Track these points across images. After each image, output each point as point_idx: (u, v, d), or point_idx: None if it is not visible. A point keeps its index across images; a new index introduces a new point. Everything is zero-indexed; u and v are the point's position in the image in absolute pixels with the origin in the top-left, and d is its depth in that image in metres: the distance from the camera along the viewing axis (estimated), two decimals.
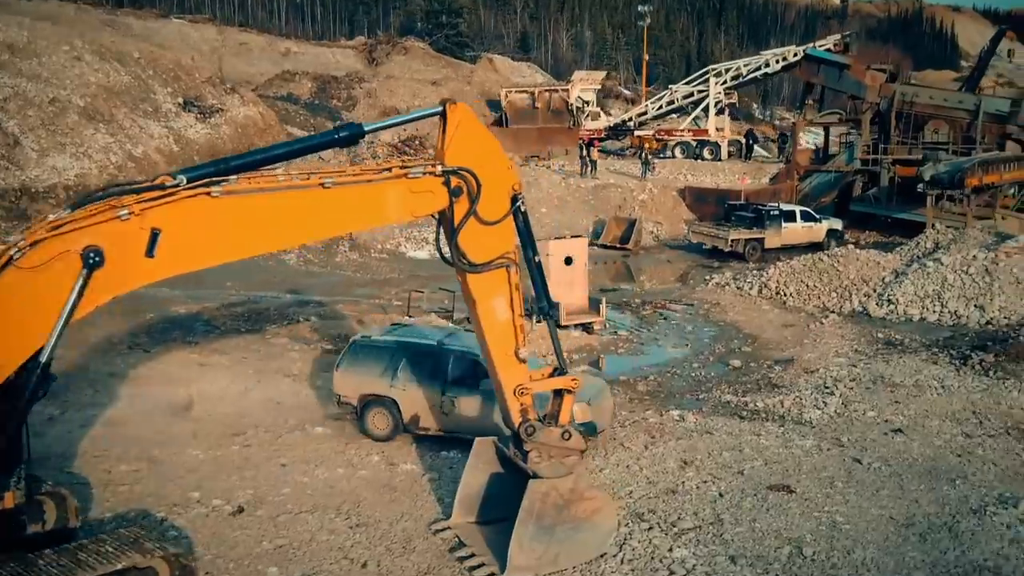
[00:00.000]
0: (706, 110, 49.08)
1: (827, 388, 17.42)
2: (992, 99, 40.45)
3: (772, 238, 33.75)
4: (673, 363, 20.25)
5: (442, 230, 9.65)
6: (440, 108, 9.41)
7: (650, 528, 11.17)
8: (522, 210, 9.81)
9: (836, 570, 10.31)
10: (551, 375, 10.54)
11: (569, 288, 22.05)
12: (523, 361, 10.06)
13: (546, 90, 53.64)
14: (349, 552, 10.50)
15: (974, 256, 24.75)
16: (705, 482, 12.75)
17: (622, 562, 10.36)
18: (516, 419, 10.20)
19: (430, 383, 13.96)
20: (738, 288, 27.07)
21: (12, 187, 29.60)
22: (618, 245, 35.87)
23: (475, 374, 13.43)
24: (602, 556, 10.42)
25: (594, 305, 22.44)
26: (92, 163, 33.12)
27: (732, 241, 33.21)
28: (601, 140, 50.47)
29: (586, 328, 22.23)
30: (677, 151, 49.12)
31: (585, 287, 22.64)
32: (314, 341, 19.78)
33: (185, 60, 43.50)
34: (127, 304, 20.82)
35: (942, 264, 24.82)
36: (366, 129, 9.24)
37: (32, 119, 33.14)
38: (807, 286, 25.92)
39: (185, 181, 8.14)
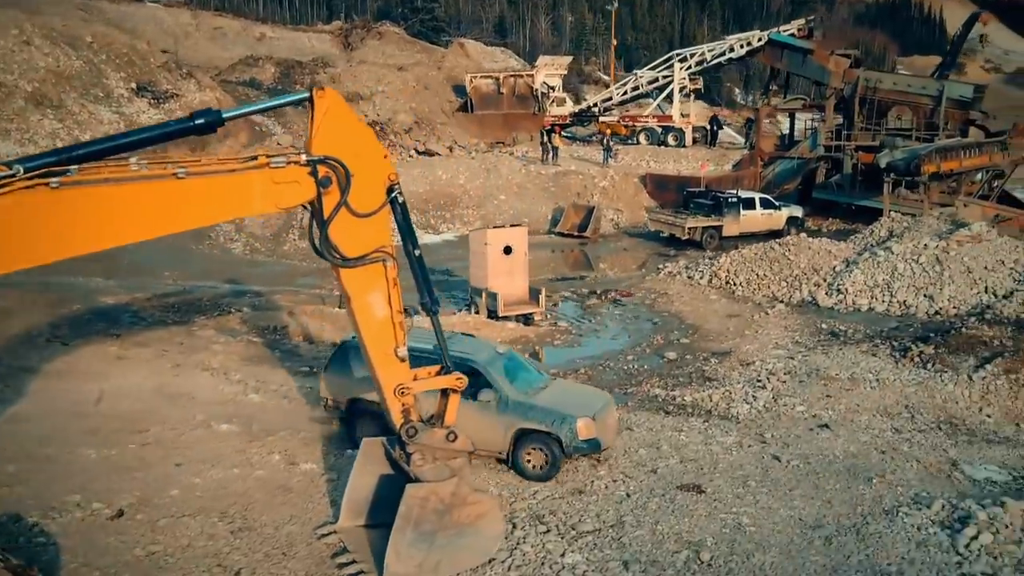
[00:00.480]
0: (670, 96, 48.43)
1: (759, 382, 17.05)
2: (955, 85, 40.04)
3: (730, 226, 33.17)
4: (608, 355, 19.75)
5: (315, 222, 9.19)
6: (307, 94, 8.93)
7: (547, 531, 10.78)
8: (400, 201, 9.36)
9: None
10: (437, 374, 10.11)
11: (508, 278, 21.61)
12: (403, 360, 9.62)
13: (511, 75, 52.77)
14: (225, 559, 10.00)
15: (925, 245, 24.33)
16: (615, 481, 12.37)
17: (510, 568, 9.96)
18: (397, 420, 9.79)
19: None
20: (688, 278, 26.50)
21: None
22: (576, 233, 35.23)
23: (474, 382, 12.10)
24: (489, 562, 10.01)
25: (534, 295, 21.94)
26: (37, 149, 32.39)
27: (689, 229, 32.63)
28: (564, 126, 49.74)
29: (526, 319, 21.76)
30: (642, 137, 48.48)
31: (525, 277, 22.12)
32: (241, 333, 19.25)
33: (141, 45, 42.59)
34: (53, 294, 20.32)
35: (892, 253, 24.38)
36: (224, 116, 8.74)
37: None
38: (757, 275, 25.39)
39: (22, 171, 7.63)
